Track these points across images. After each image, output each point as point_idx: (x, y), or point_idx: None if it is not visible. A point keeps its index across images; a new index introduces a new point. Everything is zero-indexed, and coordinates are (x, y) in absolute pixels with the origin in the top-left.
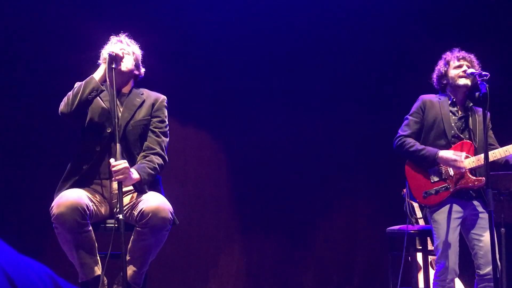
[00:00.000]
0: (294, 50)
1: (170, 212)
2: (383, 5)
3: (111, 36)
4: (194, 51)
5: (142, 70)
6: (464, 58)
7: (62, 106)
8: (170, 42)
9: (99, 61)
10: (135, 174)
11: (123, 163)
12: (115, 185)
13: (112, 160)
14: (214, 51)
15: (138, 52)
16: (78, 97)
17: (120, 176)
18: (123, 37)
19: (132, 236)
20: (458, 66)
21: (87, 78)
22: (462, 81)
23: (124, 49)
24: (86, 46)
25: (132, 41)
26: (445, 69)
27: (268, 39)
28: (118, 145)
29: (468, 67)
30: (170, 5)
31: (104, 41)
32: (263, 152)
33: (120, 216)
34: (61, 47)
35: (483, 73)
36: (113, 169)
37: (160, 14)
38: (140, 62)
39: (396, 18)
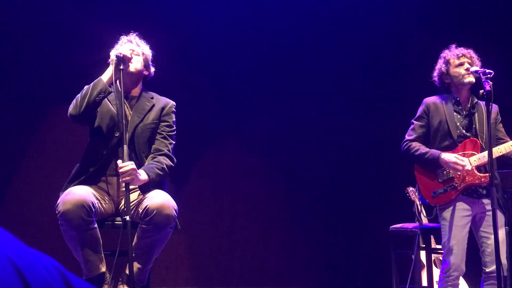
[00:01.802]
0: (295, 51)
1: (175, 209)
2: (384, 4)
3: (121, 36)
4: (196, 51)
5: (152, 70)
6: (464, 55)
7: (71, 109)
8: (172, 42)
9: (109, 61)
10: (143, 175)
11: (130, 165)
12: (121, 183)
13: (119, 162)
14: (216, 50)
15: (148, 52)
16: (86, 99)
17: (127, 178)
18: (133, 37)
19: (137, 233)
20: (460, 64)
21: (95, 80)
22: (468, 79)
23: (133, 49)
24: (93, 47)
25: (143, 41)
26: (446, 68)
27: (269, 39)
28: (125, 147)
29: (470, 64)
30: (173, 6)
31: (110, 41)
32: (265, 151)
33: (127, 218)
34: (68, 48)
35: (487, 71)
36: (120, 170)
37: (162, 15)
38: (150, 62)
39: (397, 17)
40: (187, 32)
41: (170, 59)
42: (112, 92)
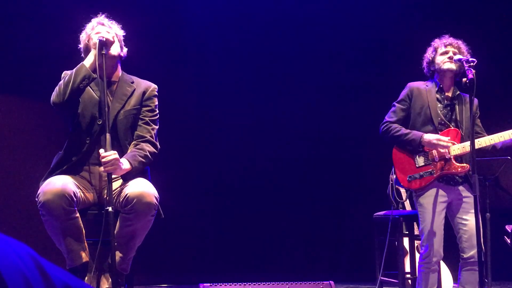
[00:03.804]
0: (280, 41)
1: (155, 197)
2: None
3: (92, 19)
4: (186, 39)
5: (125, 50)
6: (451, 44)
7: (54, 97)
8: (161, 31)
9: (79, 45)
10: (125, 164)
11: (113, 154)
12: (103, 172)
13: (102, 151)
14: (206, 39)
15: (120, 33)
16: (70, 87)
17: (110, 167)
18: (102, 18)
19: (118, 222)
20: (445, 52)
21: (77, 66)
22: (447, 65)
23: (109, 32)
24: (71, 31)
25: (113, 22)
26: (433, 55)
27: (257, 30)
28: (108, 135)
29: (455, 53)
30: None
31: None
32: (250, 139)
33: (110, 209)
34: (43, 34)
35: (470, 59)
36: (103, 160)
37: (151, 2)
38: (122, 43)
39: (382, 9)
40: (175, 21)
41: (160, 46)
42: (96, 78)
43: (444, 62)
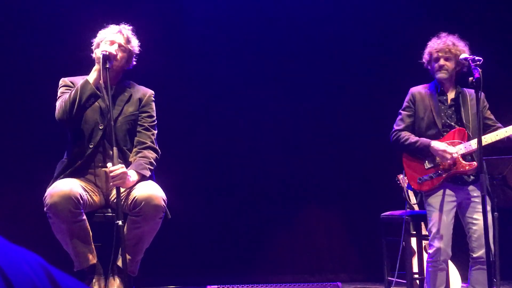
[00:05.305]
0: (287, 41)
1: (163, 199)
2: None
3: (113, 25)
4: (187, 40)
5: (133, 63)
6: (442, 50)
7: (59, 113)
8: (162, 32)
9: (92, 47)
10: (133, 176)
11: (120, 168)
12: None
13: (109, 165)
14: (206, 40)
15: (136, 48)
16: (77, 105)
17: (118, 181)
18: (123, 28)
19: (126, 225)
20: (436, 59)
21: (82, 82)
22: (438, 75)
23: (120, 43)
24: (76, 36)
25: (134, 36)
26: (428, 58)
27: (263, 31)
28: (115, 149)
29: (447, 59)
30: None
31: (92, 33)
32: (256, 138)
33: (120, 222)
34: (50, 39)
35: (476, 58)
36: (111, 174)
37: (153, 4)
38: (133, 57)
39: (384, 9)
40: (175, 20)
41: (162, 48)
42: (101, 96)
43: (435, 72)
